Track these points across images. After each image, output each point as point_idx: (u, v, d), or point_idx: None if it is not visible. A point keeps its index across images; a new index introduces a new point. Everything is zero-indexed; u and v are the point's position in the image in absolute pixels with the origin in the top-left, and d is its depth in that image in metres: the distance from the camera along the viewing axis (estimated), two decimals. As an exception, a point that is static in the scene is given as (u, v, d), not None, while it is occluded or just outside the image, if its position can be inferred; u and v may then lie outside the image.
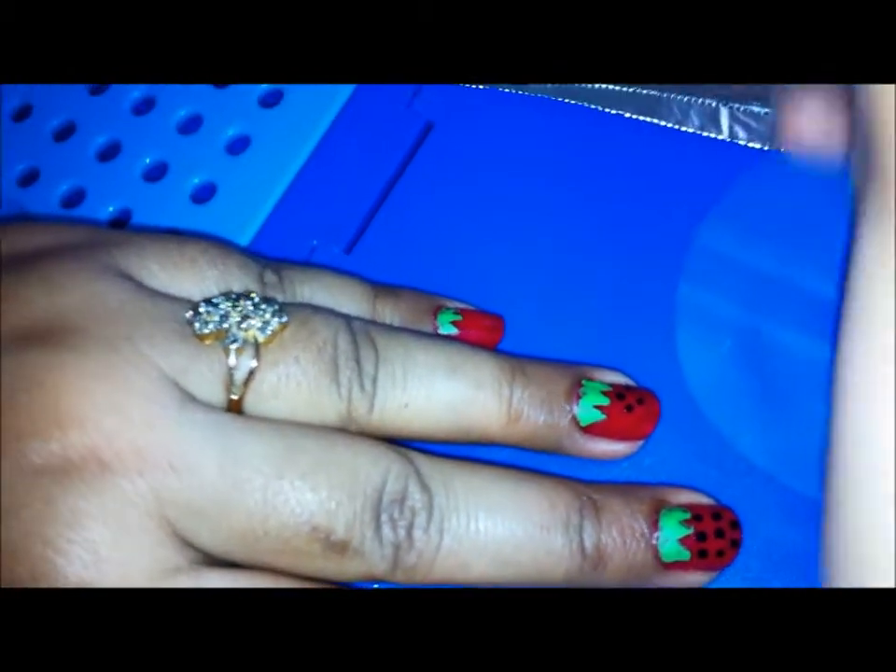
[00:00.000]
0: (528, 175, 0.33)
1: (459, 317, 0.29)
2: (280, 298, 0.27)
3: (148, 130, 0.36)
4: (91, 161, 0.36)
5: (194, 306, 0.25)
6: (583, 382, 0.27)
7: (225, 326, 0.24)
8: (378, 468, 0.24)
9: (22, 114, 0.38)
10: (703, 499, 0.27)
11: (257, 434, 0.23)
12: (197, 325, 0.24)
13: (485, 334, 0.29)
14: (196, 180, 0.35)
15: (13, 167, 0.37)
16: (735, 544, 0.26)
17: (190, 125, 0.36)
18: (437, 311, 0.29)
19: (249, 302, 0.25)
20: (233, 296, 0.25)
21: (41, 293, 0.24)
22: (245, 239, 0.33)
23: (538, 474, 0.26)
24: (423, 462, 0.25)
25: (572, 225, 0.32)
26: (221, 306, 0.25)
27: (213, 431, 0.23)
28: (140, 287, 0.25)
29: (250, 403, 0.24)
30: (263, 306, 0.25)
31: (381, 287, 0.30)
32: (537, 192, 0.32)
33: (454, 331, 0.29)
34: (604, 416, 0.27)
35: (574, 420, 0.27)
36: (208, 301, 0.25)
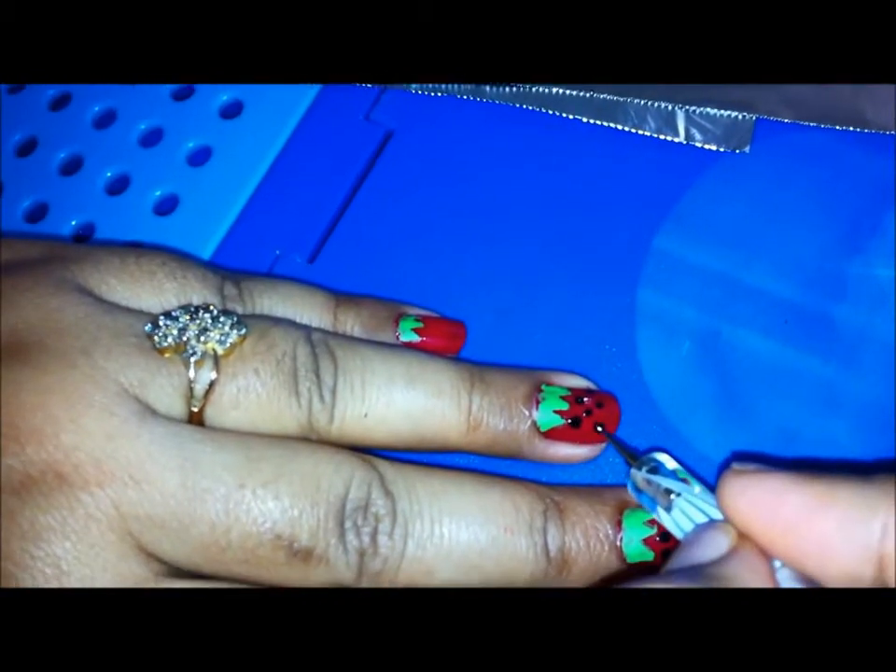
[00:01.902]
0: (488, 181, 0.33)
1: (421, 324, 0.29)
2: (240, 310, 0.27)
3: (110, 143, 0.36)
4: (53, 175, 0.36)
5: (153, 319, 0.25)
6: (543, 387, 0.27)
7: (184, 339, 0.24)
8: (341, 475, 0.24)
9: (-17, 130, 0.38)
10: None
11: (217, 445, 0.23)
12: (156, 338, 0.24)
13: (447, 341, 0.30)
14: (158, 192, 0.35)
15: (-25, 183, 0.37)
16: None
17: (151, 138, 0.36)
18: (398, 318, 0.29)
19: (208, 315, 0.25)
20: (192, 308, 0.25)
21: None
22: (208, 250, 0.33)
23: (501, 477, 0.26)
24: (386, 468, 0.25)
25: (532, 229, 0.32)
26: (180, 319, 0.25)
27: (173, 443, 0.23)
28: (98, 300, 0.25)
29: (211, 415, 0.24)
30: (222, 318, 0.25)
31: (342, 296, 0.30)
32: (496, 198, 0.33)
33: (416, 339, 0.29)
34: (563, 421, 0.27)
35: (534, 425, 0.27)
36: (167, 314, 0.25)
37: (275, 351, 0.25)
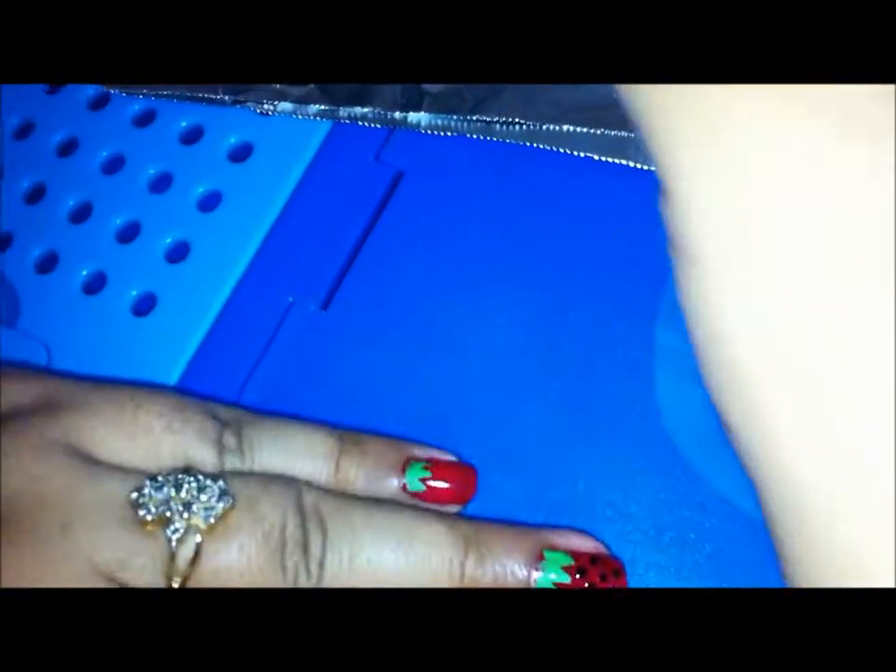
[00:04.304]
0: (500, 219, 0.33)
1: (428, 473, 0.28)
2: (238, 462, 0.27)
3: (119, 189, 0.36)
4: (63, 223, 0.36)
5: (139, 488, 0.24)
6: (545, 552, 0.26)
7: (167, 513, 0.24)
8: None
9: (-8, 177, 0.38)
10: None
11: None
12: (141, 511, 0.24)
13: (456, 491, 0.29)
14: (169, 239, 0.35)
15: (-15, 233, 0.37)
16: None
17: (161, 184, 0.36)
18: (405, 465, 0.28)
19: (195, 484, 0.25)
20: (178, 477, 0.25)
21: None
22: (221, 298, 0.33)
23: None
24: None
25: (546, 269, 0.32)
26: (165, 489, 0.24)
27: None
28: (86, 462, 0.25)
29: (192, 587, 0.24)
30: (209, 487, 0.25)
31: (347, 438, 0.29)
32: (509, 237, 0.33)
33: (422, 489, 0.28)
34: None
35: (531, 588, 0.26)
36: (154, 480, 0.25)
37: (263, 524, 0.25)
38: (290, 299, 0.33)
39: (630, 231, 0.32)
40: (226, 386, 0.32)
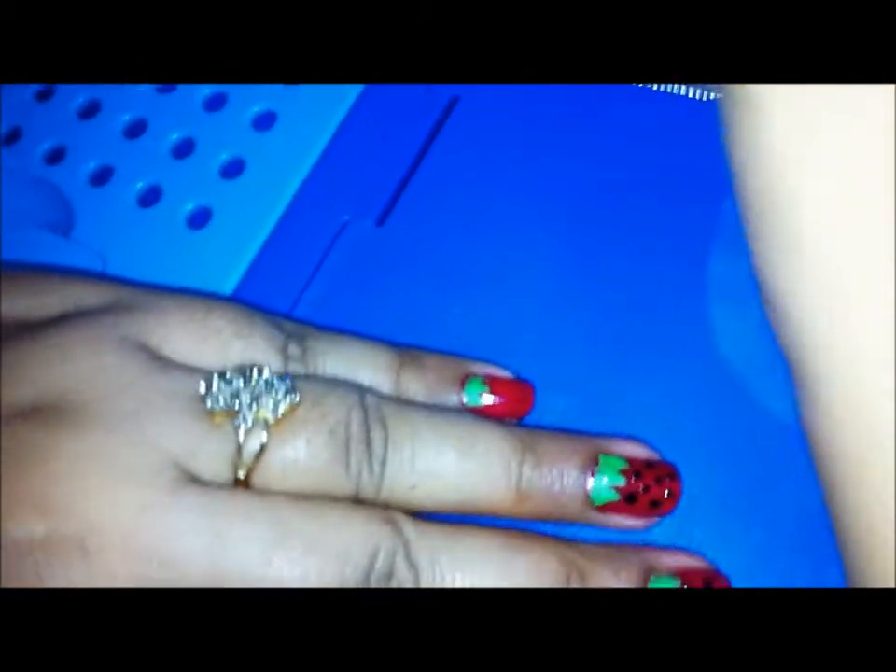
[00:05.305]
0: (554, 145, 0.33)
1: (486, 388, 0.29)
2: (301, 370, 0.27)
3: (174, 107, 0.36)
4: (117, 137, 0.36)
5: (207, 381, 0.25)
6: (599, 457, 0.27)
7: (236, 405, 0.24)
8: (368, 547, 0.24)
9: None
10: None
11: (250, 518, 0.23)
12: (209, 402, 0.24)
13: (513, 406, 0.29)
14: (224, 155, 0.35)
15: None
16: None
17: (215, 102, 0.36)
18: (464, 380, 0.29)
19: (262, 380, 0.25)
20: (247, 373, 0.25)
21: (52, 363, 0.24)
22: (275, 214, 0.34)
23: (529, 541, 0.26)
24: (411, 533, 0.25)
25: (600, 194, 0.32)
26: (234, 383, 0.25)
27: (205, 517, 0.23)
28: (156, 359, 0.25)
29: (258, 481, 0.24)
30: (276, 384, 0.25)
31: (407, 354, 0.29)
32: (563, 162, 0.33)
33: (480, 404, 0.29)
34: (618, 496, 0.26)
35: (586, 498, 0.26)
36: (222, 376, 0.25)
37: (328, 419, 0.25)
38: (346, 216, 0.33)
39: (685, 158, 0.32)
40: (279, 300, 0.32)
